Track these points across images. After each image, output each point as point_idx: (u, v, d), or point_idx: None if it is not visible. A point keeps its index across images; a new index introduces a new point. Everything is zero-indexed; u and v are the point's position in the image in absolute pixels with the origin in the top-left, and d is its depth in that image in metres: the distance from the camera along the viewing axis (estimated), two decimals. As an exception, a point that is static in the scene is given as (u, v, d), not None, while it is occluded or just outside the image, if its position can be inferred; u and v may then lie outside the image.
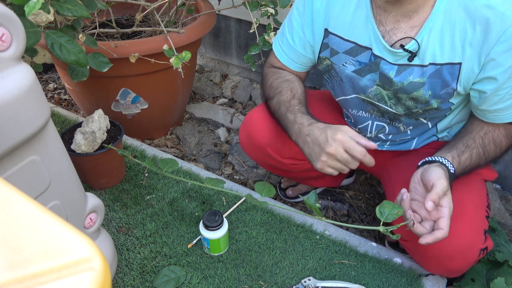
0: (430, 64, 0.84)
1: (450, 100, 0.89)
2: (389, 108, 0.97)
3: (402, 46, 0.84)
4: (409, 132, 1.05)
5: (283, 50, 1.04)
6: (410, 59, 0.85)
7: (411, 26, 0.84)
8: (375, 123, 1.05)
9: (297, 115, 0.92)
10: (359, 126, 1.10)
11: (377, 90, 0.95)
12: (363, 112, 1.05)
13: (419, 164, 0.88)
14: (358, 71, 0.94)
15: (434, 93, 0.88)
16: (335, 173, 0.87)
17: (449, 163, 0.83)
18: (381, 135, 1.08)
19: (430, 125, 1.02)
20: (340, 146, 0.83)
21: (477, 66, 0.81)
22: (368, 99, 0.98)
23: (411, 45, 0.84)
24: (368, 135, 1.10)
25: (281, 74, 1.04)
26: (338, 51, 0.95)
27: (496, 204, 1.42)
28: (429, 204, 0.76)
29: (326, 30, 0.96)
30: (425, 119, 0.98)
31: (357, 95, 1.00)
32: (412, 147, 1.11)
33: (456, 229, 0.85)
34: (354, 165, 0.85)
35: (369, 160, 0.84)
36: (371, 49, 0.90)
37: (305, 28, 0.98)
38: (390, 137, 1.07)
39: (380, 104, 0.97)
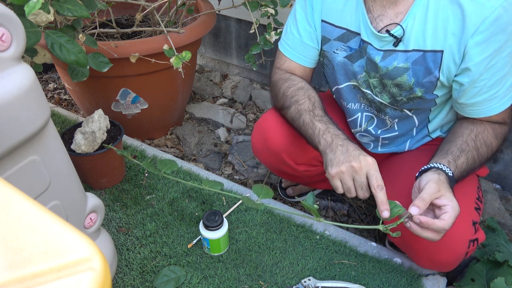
0: (413, 50, 0.86)
1: (434, 92, 0.91)
2: (374, 96, 0.99)
3: (388, 31, 0.87)
4: (396, 128, 1.06)
5: (290, 45, 1.05)
6: (395, 44, 0.87)
7: (396, 12, 0.86)
8: (364, 114, 1.07)
9: (329, 126, 0.92)
10: (349, 119, 1.12)
11: (365, 77, 0.97)
12: (353, 104, 1.07)
13: (417, 175, 0.88)
14: (349, 56, 0.97)
15: (418, 80, 0.89)
16: (340, 189, 0.87)
17: (445, 167, 0.83)
18: (370, 129, 1.09)
19: (416, 121, 1.02)
20: (365, 169, 0.83)
21: (458, 56, 0.82)
22: (358, 85, 1.01)
23: (396, 31, 0.86)
24: (358, 128, 1.11)
25: (292, 81, 1.03)
26: (329, 38, 0.99)
27: (496, 204, 1.42)
28: (412, 209, 0.78)
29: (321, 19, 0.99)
30: (409, 110, 0.99)
31: (349, 83, 1.03)
32: (406, 149, 1.12)
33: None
34: (361, 194, 0.86)
35: (378, 196, 0.84)
36: (360, 34, 0.92)
37: (309, 18, 1.00)
38: (379, 132, 1.08)
39: (367, 91, 0.99)
